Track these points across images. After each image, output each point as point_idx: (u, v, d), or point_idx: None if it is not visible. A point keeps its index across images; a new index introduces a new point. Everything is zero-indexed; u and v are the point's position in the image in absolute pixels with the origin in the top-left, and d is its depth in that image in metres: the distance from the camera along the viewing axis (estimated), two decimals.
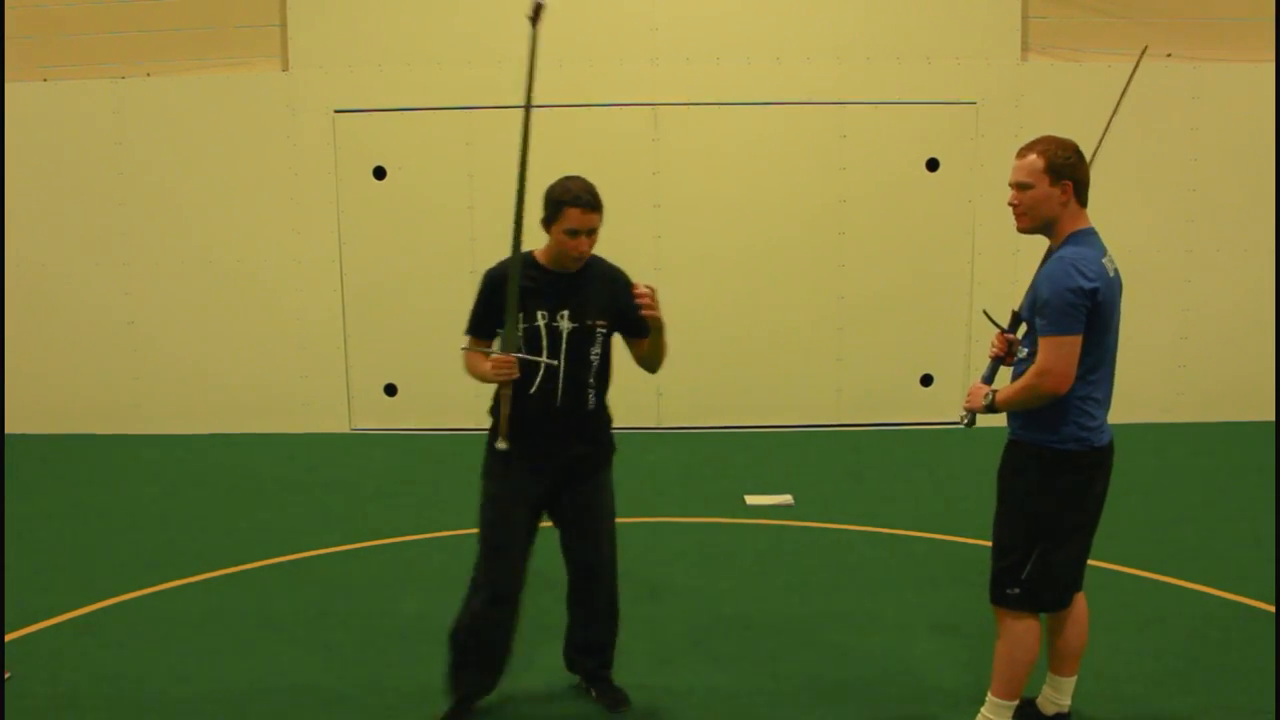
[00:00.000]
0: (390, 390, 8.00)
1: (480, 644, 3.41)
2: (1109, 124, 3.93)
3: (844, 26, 7.67)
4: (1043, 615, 3.22)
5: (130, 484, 6.68)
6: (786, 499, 6.04)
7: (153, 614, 4.44)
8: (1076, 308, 2.88)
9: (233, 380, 7.93)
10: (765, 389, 7.96)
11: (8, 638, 4.11)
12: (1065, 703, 3.35)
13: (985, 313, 3.51)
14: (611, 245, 7.27)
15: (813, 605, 4.44)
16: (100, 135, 7.82)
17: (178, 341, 8.00)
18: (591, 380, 3.37)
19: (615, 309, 3.39)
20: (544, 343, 3.28)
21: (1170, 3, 7.67)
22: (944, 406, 7.88)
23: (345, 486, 6.49)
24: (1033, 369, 2.97)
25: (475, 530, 3.36)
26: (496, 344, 3.33)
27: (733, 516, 5.76)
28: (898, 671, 3.79)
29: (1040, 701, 3.39)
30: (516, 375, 3.23)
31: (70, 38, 7.81)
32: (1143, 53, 4.55)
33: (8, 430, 7.69)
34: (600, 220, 3.30)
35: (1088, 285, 2.88)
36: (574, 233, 3.24)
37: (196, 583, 4.76)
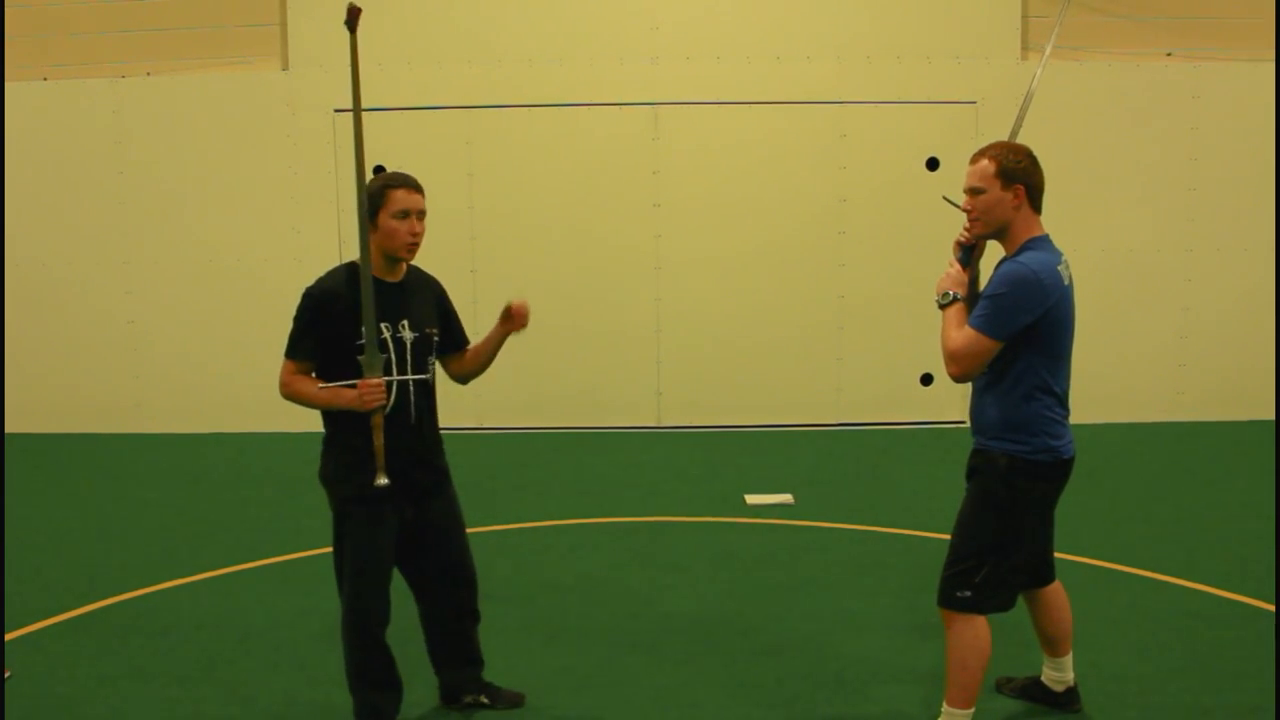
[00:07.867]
0: None
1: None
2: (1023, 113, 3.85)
3: (844, 26, 7.68)
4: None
5: (130, 484, 6.68)
6: (786, 498, 6.04)
7: (152, 614, 4.44)
8: (1017, 314, 2.89)
9: (233, 379, 7.93)
10: (765, 388, 7.97)
11: (8, 638, 4.11)
12: (1069, 678, 3.43)
13: (945, 197, 3.43)
14: (612, 245, 7.34)
15: (812, 604, 4.44)
16: (100, 135, 7.83)
17: (178, 340, 8.01)
18: (431, 391, 3.26)
19: (441, 315, 3.32)
20: (391, 357, 3.10)
21: (1170, 3, 7.68)
22: (944, 406, 7.90)
23: None
24: (947, 351, 2.99)
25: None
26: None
27: (733, 516, 5.77)
28: (898, 671, 3.79)
29: (1045, 680, 3.46)
30: (387, 401, 3.04)
31: (70, 37, 7.82)
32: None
33: (8, 429, 7.70)
34: (425, 204, 3.18)
35: (1044, 301, 2.89)
36: (404, 214, 3.11)
37: (196, 582, 4.76)
